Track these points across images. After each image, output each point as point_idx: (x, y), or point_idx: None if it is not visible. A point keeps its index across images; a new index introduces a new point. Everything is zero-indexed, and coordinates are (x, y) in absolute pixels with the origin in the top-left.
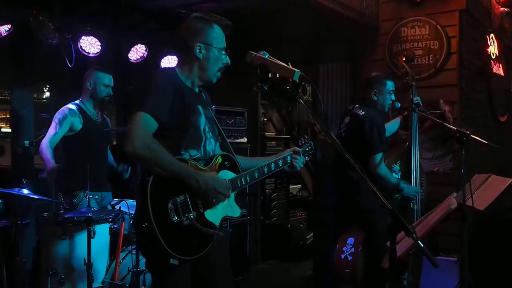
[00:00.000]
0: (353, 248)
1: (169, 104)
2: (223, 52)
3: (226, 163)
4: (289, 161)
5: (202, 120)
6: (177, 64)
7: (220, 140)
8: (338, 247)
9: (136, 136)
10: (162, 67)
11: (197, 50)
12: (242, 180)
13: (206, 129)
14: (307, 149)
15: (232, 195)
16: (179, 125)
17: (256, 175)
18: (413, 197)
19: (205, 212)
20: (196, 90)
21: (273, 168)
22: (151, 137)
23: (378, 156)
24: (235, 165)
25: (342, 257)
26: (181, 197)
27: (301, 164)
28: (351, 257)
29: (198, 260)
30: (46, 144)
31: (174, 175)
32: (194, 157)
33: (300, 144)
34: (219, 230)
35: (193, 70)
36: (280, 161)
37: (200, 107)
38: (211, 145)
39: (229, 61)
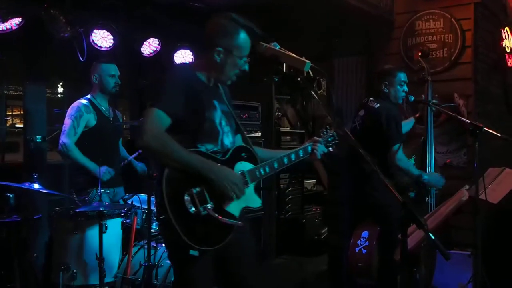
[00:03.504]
0: (367, 242)
1: (182, 100)
2: (243, 59)
3: (243, 154)
4: (309, 151)
5: (218, 114)
6: (195, 59)
7: (239, 133)
8: (352, 241)
9: (148, 131)
10: (178, 63)
11: (216, 54)
12: (261, 170)
13: (223, 123)
14: (329, 139)
15: (252, 185)
16: (194, 120)
17: (276, 165)
18: (439, 186)
19: (223, 203)
20: (211, 85)
21: (293, 159)
22: (163, 131)
23: (396, 147)
24: (253, 156)
25: (357, 251)
26: (198, 188)
27: (321, 152)
28: (365, 251)
29: (221, 254)
30: (73, 145)
31: (188, 168)
32: (211, 151)
33: (321, 134)
34: (239, 220)
35: (210, 71)
36: (301, 151)
37: (215, 102)
38: (229, 139)
39: (247, 68)
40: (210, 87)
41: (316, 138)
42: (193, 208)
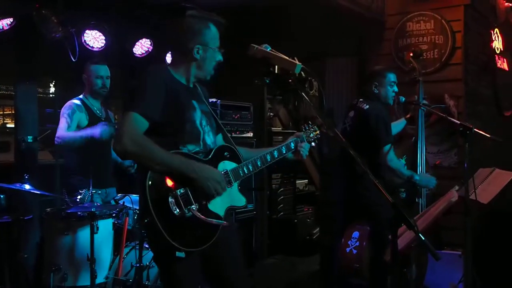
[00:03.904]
0: (357, 242)
1: (160, 103)
2: (217, 50)
3: (225, 153)
4: (292, 148)
5: (198, 115)
6: (171, 61)
7: (220, 133)
8: (343, 241)
9: (124, 134)
10: (154, 65)
11: (195, 52)
12: (245, 169)
13: (203, 123)
14: (311, 134)
15: (236, 184)
16: (174, 122)
17: (259, 163)
18: (430, 186)
19: (208, 203)
20: (191, 85)
21: (276, 156)
22: (140, 134)
23: (387, 148)
24: (236, 155)
25: (347, 251)
26: (181, 190)
27: (306, 151)
28: (356, 251)
29: (207, 253)
30: (65, 133)
31: (170, 169)
32: (193, 151)
33: (303, 130)
34: (225, 220)
35: (190, 69)
36: (284, 148)
37: (194, 102)
38: (210, 138)
39: (221, 58)
40: (188, 88)
41: (298, 133)
42: (178, 210)
